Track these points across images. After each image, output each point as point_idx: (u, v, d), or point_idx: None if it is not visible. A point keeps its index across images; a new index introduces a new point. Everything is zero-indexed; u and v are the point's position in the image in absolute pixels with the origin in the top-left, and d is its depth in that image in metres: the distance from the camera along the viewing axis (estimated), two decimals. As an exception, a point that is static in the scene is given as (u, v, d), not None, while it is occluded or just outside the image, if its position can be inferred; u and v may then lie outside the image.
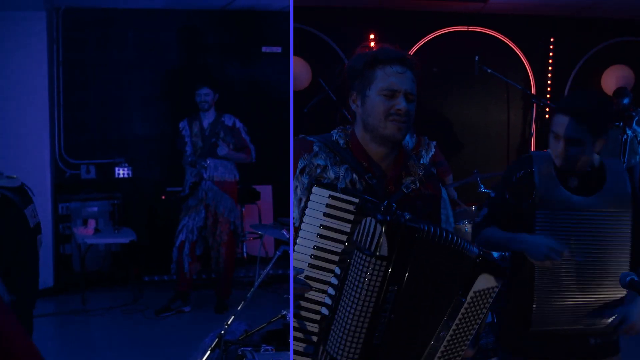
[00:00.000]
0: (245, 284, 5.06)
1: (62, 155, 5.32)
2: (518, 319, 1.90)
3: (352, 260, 1.39)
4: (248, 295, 2.99)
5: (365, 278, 1.36)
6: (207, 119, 4.61)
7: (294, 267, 1.47)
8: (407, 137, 3.04)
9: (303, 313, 1.47)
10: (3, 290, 1.53)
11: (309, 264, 1.46)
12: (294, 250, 1.47)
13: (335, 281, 1.44)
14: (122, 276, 5.08)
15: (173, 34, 5.47)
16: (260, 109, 5.46)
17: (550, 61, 5.95)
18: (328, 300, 1.44)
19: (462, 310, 1.44)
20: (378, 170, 1.59)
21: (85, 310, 4.60)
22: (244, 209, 5.33)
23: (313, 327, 1.46)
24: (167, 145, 5.21)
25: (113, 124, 5.42)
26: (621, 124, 5.06)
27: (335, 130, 1.64)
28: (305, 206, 1.48)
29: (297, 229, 1.49)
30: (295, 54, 5.32)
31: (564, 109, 1.82)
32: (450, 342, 1.46)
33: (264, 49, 5.58)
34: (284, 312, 2.82)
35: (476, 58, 4.79)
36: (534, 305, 1.83)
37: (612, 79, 5.80)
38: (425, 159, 1.71)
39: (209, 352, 2.82)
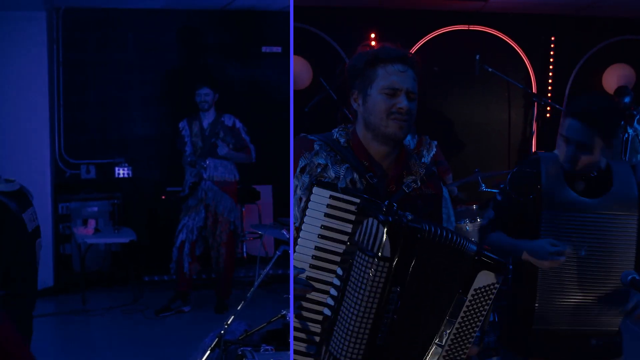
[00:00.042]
0: (245, 284, 5.06)
1: (62, 155, 5.32)
2: (520, 317, 1.91)
3: (355, 261, 1.39)
4: (248, 295, 2.99)
5: (368, 279, 1.36)
6: (207, 119, 4.60)
7: (294, 267, 1.46)
8: (409, 137, 3.03)
9: (305, 313, 1.46)
10: None
11: (310, 264, 1.45)
12: (295, 251, 1.46)
13: (337, 282, 1.43)
14: (122, 276, 5.07)
15: (173, 34, 5.47)
16: (260, 109, 5.46)
17: (551, 60, 5.93)
18: (330, 301, 1.44)
19: (464, 308, 1.44)
20: (379, 169, 1.58)
21: (85, 310, 4.60)
22: (244, 209, 5.33)
23: (315, 328, 1.46)
24: (167, 145, 5.20)
25: (113, 124, 5.42)
26: (622, 122, 5.05)
27: (337, 129, 1.63)
28: (306, 206, 1.47)
29: (297, 229, 1.48)
30: (295, 54, 5.31)
31: (575, 113, 1.81)
32: (454, 341, 1.45)
33: (264, 49, 5.57)
34: (284, 312, 2.82)
35: (477, 57, 4.78)
36: (537, 304, 1.83)
37: (613, 78, 5.79)
38: (426, 158, 1.70)
39: (208, 352, 2.82)
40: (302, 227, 1.46)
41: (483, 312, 1.46)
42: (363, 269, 1.36)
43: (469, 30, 5.74)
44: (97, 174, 5.35)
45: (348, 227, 1.44)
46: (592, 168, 1.86)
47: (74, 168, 5.35)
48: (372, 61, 1.55)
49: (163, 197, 5.21)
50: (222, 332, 2.83)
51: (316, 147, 1.57)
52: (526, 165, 1.94)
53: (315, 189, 1.46)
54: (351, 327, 1.38)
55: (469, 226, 3.75)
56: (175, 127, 4.70)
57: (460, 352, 1.47)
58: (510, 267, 2.04)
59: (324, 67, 5.25)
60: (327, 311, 1.44)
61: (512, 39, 5.82)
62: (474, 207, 4.00)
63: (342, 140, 1.59)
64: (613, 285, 1.82)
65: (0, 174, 1.72)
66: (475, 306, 1.44)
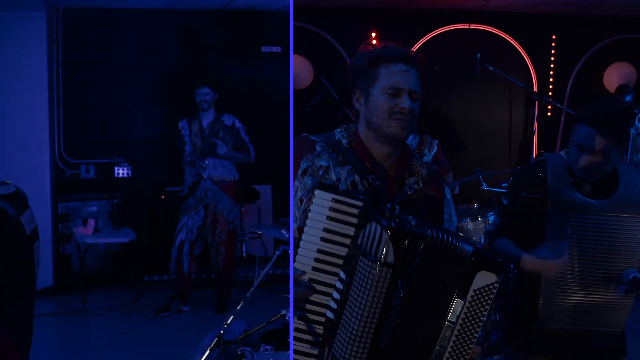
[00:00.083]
0: (244, 284, 5.06)
1: (61, 155, 5.31)
2: (524, 316, 1.91)
3: (358, 266, 1.38)
4: (247, 295, 2.98)
5: (371, 284, 1.35)
6: (207, 118, 4.60)
7: (296, 269, 1.45)
8: (410, 136, 3.02)
9: (307, 315, 1.46)
10: None
11: (312, 267, 1.45)
12: (297, 254, 1.45)
13: (340, 285, 1.43)
14: (122, 276, 5.07)
15: (173, 34, 5.46)
16: (260, 109, 5.45)
17: (552, 59, 5.92)
18: (333, 304, 1.44)
19: (464, 310, 1.43)
20: (381, 170, 1.57)
21: (85, 310, 4.59)
22: (243, 209, 5.32)
23: (317, 329, 1.45)
24: (167, 145, 5.20)
25: (113, 124, 5.41)
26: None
27: (339, 129, 1.62)
28: (308, 208, 1.46)
29: (299, 230, 1.47)
30: (296, 53, 5.30)
31: (589, 121, 1.79)
32: (457, 342, 1.45)
33: (263, 48, 5.57)
34: (284, 311, 2.81)
35: (478, 56, 4.77)
36: (540, 303, 1.83)
37: (614, 77, 5.77)
38: (427, 157, 1.69)
39: (208, 352, 2.81)
40: (304, 230, 1.45)
41: (484, 312, 1.45)
42: (366, 274, 1.36)
43: (469, 29, 5.73)
44: (96, 173, 5.35)
45: (350, 230, 1.43)
46: (603, 172, 1.86)
47: (73, 168, 5.34)
48: (375, 60, 1.54)
49: (163, 197, 5.20)
50: (222, 331, 2.82)
51: (318, 148, 1.56)
52: (532, 167, 1.94)
53: (317, 192, 1.45)
54: (354, 331, 1.38)
55: (470, 225, 3.74)
56: (175, 127, 4.70)
57: (464, 353, 1.46)
58: (512, 265, 2.03)
59: (324, 66, 5.24)
60: (329, 314, 1.44)
61: (513, 38, 5.80)
62: (475, 206, 3.99)
63: (344, 141, 1.58)
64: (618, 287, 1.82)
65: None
66: (475, 307, 1.44)
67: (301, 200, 1.53)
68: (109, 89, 5.38)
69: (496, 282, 1.44)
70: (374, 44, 1.67)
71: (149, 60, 5.41)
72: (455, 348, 1.45)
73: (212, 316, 4.48)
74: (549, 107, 5.82)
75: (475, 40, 5.62)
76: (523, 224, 1.90)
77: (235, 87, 5.46)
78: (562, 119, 5.88)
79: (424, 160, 1.64)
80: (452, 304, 1.43)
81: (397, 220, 1.38)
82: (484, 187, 4.10)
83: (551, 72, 5.93)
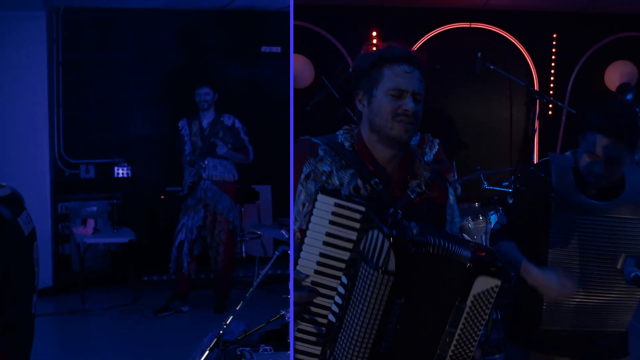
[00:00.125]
0: (244, 284, 5.05)
1: (61, 155, 5.31)
2: (526, 316, 1.90)
3: (359, 272, 1.38)
4: (247, 295, 2.97)
5: (372, 291, 1.35)
6: (207, 118, 4.59)
7: (299, 272, 1.44)
8: (411, 137, 3.00)
9: (309, 317, 1.45)
10: None
11: (315, 270, 1.44)
12: (300, 257, 1.45)
13: (342, 290, 1.43)
14: (122, 276, 5.06)
15: (173, 34, 5.46)
16: (260, 109, 5.44)
17: (553, 57, 5.90)
18: (335, 308, 1.43)
19: (464, 315, 1.43)
20: (384, 173, 1.55)
21: (85, 310, 4.59)
22: (243, 209, 5.31)
23: (319, 331, 1.45)
24: (166, 145, 5.19)
25: (113, 124, 5.41)
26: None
27: (341, 131, 1.60)
28: (311, 213, 1.44)
29: (302, 233, 1.46)
30: (296, 52, 5.29)
31: (604, 130, 1.77)
32: (457, 347, 1.44)
33: (263, 48, 5.56)
34: (283, 312, 2.80)
35: (478, 55, 4.76)
36: (544, 305, 1.82)
37: (615, 75, 5.75)
38: (429, 156, 1.68)
39: (207, 352, 2.81)
40: (307, 234, 1.44)
41: (484, 316, 1.44)
42: (367, 280, 1.35)
43: (470, 27, 5.72)
44: (96, 173, 5.34)
45: (353, 235, 1.42)
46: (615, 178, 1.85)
47: (73, 168, 5.34)
48: (378, 62, 1.52)
49: (162, 197, 5.20)
50: (221, 332, 2.82)
51: (320, 152, 1.55)
52: (537, 168, 1.93)
53: (319, 196, 1.43)
54: (355, 336, 1.38)
55: (471, 224, 3.73)
56: (175, 127, 4.70)
57: (465, 357, 1.46)
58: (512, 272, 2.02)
59: (325, 65, 5.23)
60: (331, 317, 1.44)
61: (514, 37, 5.79)
62: (476, 204, 3.97)
63: (346, 144, 1.56)
64: (622, 288, 1.82)
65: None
66: (475, 312, 1.43)
67: (304, 204, 1.52)
68: (109, 89, 5.37)
69: (495, 287, 1.43)
70: (377, 45, 1.65)
71: (149, 60, 5.40)
72: (456, 352, 1.45)
73: (212, 316, 4.47)
74: (550, 105, 5.81)
75: (476, 39, 5.60)
76: (527, 224, 1.90)
77: (235, 87, 5.45)
78: (563, 117, 5.86)
79: (426, 159, 1.62)
80: (453, 309, 1.42)
81: (399, 227, 1.37)
82: (485, 185, 4.09)
83: (552, 71, 5.91)
